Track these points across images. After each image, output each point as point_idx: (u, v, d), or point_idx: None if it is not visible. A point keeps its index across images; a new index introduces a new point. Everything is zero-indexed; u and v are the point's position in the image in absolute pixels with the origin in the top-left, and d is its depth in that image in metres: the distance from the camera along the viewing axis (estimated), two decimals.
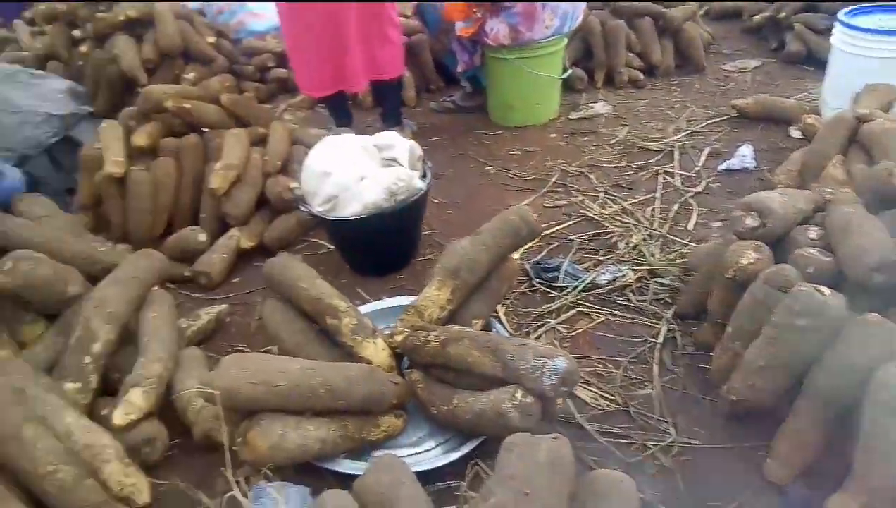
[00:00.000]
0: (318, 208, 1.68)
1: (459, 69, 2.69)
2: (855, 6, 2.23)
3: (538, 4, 2.35)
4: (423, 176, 1.78)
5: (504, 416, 1.12)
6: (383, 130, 2.53)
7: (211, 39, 3.23)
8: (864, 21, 2.13)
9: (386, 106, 2.64)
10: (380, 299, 1.65)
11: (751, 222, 1.21)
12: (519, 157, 2.41)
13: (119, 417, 1.22)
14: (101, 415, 1.30)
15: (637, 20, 2.96)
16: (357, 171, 1.66)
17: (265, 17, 3.77)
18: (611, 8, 2.97)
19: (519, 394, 1.13)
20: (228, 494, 1.02)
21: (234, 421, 1.15)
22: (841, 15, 2.18)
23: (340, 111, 2.63)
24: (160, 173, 2.02)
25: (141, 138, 2.04)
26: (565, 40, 2.59)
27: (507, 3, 2.37)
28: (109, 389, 1.37)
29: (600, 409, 1.31)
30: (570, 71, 2.71)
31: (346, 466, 1.21)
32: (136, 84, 2.97)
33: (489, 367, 1.19)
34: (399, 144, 1.78)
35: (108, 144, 2.02)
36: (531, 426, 1.12)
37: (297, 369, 1.19)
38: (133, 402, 1.24)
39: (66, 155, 2.40)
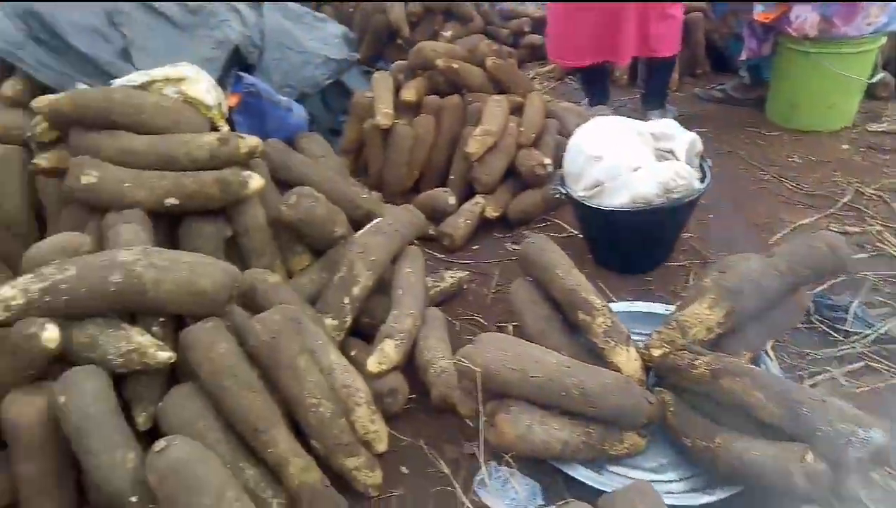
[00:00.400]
0: (580, 191, 1.59)
1: (743, 56, 2.39)
2: None
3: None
4: (702, 176, 1.60)
5: (788, 477, 0.96)
6: (644, 112, 2.39)
7: None
8: None
9: (651, 86, 2.45)
10: (625, 299, 1.53)
11: None
12: (800, 166, 2.10)
13: (373, 365, 1.27)
14: (349, 356, 1.36)
15: None
16: (631, 159, 1.54)
17: None
18: None
19: (810, 457, 0.96)
20: (479, 477, 1.00)
21: (476, 397, 1.13)
22: None
23: (598, 87, 2.50)
24: (421, 130, 2.07)
25: (410, 94, 2.10)
26: (885, 39, 2.17)
27: None
28: (356, 331, 1.44)
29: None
30: (882, 75, 2.28)
31: (582, 474, 1.14)
32: (399, 35, 3.11)
33: (772, 415, 1.03)
34: (679, 135, 1.62)
35: (380, 94, 2.11)
36: (817, 496, 0.95)
37: (554, 363, 1.13)
38: (387, 353, 1.28)
39: (335, 97, 2.58)
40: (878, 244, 1.68)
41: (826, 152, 2.15)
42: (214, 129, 1.58)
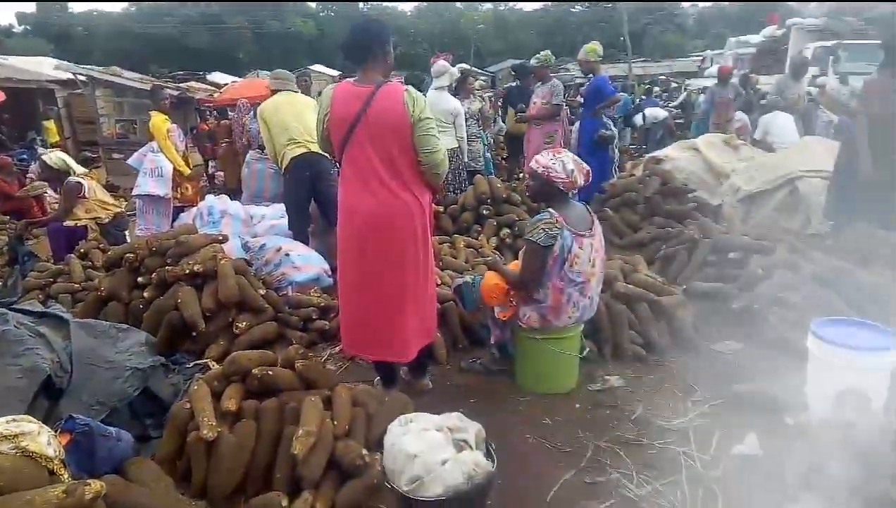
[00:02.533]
0: (404, 487, 1.91)
1: (493, 340, 3.12)
2: (827, 318, 2.77)
3: (563, 300, 2.84)
4: (488, 455, 2.05)
5: None
6: (410, 382, 2.90)
7: (262, 291, 3.65)
8: (831, 332, 2.63)
9: (417, 363, 2.99)
10: None
11: None
12: (552, 427, 2.72)
13: None
14: None
15: (636, 304, 3.51)
16: (439, 454, 1.93)
17: (305, 270, 4.29)
18: (612, 293, 3.53)
19: None
20: None
21: None
22: (813, 325, 2.70)
23: (387, 374, 2.96)
24: (244, 436, 2.25)
25: (231, 403, 2.30)
26: (582, 325, 3.06)
27: (537, 296, 2.86)
28: None
29: None
30: (587, 350, 3.14)
31: None
32: (194, 329, 3.30)
33: None
34: (470, 427, 2.08)
35: (200, 406, 2.27)
36: None
37: None
38: None
39: (141, 402, 2.62)
40: (619, 491, 2.25)
41: (566, 412, 2.83)
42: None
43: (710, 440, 2.56)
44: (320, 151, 3.34)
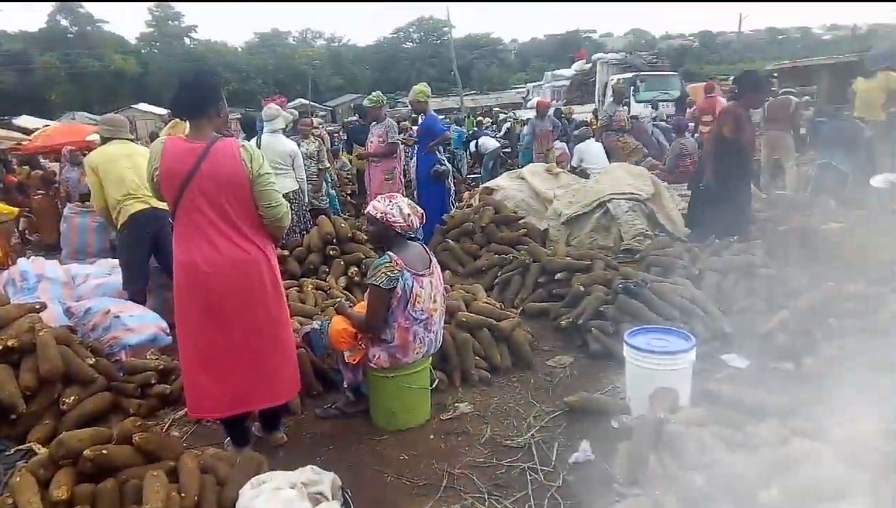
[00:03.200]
0: None
1: (346, 384, 3.15)
2: (636, 327, 3.17)
3: (410, 338, 2.96)
4: (345, 504, 2.09)
5: None
6: (264, 437, 2.87)
7: (91, 360, 3.37)
8: (640, 340, 3.02)
9: (271, 416, 2.95)
10: None
11: None
12: (409, 461, 2.80)
13: None
14: None
15: (478, 331, 3.75)
16: None
17: (140, 331, 4.01)
18: (455, 322, 3.73)
19: None
20: None
21: None
22: (625, 336, 3.08)
23: (238, 430, 2.88)
24: None
25: (61, 492, 2.11)
26: (430, 358, 3.21)
27: (384, 337, 2.96)
28: None
29: None
30: (437, 381, 3.28)
31: None
32: (13, 412, 2.97)
33: None
34: (324, 478, 2.10)
35: (24, 498, 2.07)
36: None
37: None
38: None
39: None
40: None
41: (421, 445, 2.94)
42: None
43: (550, 452, 2.80)
44: (163, 207, 3.19)
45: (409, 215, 2.97)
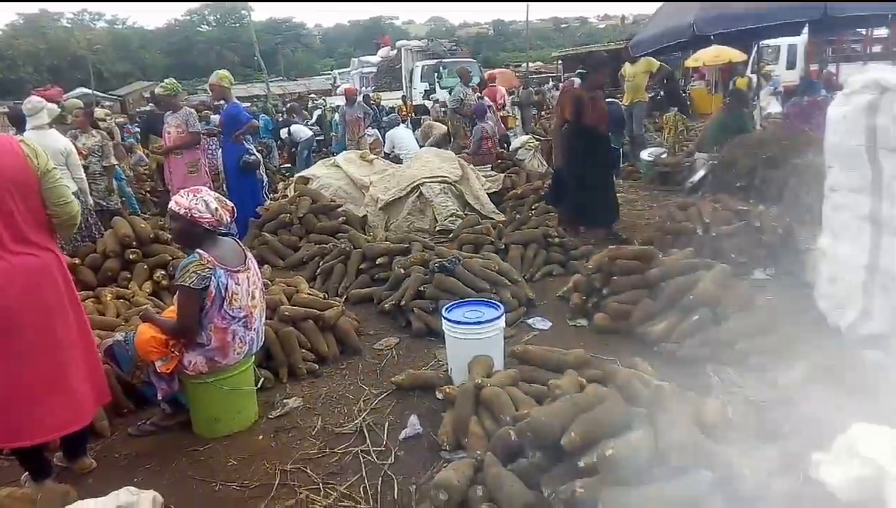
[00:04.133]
0: None
1: (160, 396, 2.94)
2: (452, 302, 3.36)
3: (229, 338, 2.85)
4: None
5: None
6: (69, 466, 2.62)
7: None
8: (456, 314, 3.22)
9: (73, 441, 2.69)
10: None
11: (443, 496, 1.83)
12: (238, 466, 2.71)
13: None
14: None
15: (302, 323, 3.71)
16: None
17: None
18: (278, 317, 3.65)
19: None
20: None
21: None
22: (443, 311, 3.26)
23: (36, 466, 2.57)
24: None
25: None
26: (253, 357, 3.12)
27: (200, 340, 2.82)
28: None
29: None
30: (262, 380, 3.20)
31: None
32: None
33: None
34: (143, 498, 1.98)
35: None
36: None
37: None
38: None
39: None
40: (309, 507, 2.39)
41: (250, 447, 2.86)
42: None
43: (382, 432, 2.88)
44: None
45: (216, 208, 2.83)
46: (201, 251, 2.79)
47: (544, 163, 8.84)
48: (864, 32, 14.56)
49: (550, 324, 4.01)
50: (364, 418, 3.03)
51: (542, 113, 14.60)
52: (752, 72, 11.72)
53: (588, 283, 4.01)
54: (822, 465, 1.93)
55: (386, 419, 3.01)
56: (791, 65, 14.94)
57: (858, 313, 3.32)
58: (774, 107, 10.72)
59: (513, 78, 20.99)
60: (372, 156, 7.79)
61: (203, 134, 6.65)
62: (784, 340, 3.39)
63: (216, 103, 9.29)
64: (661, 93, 15.10)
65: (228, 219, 2.92)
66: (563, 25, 62.97)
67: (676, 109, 10.23)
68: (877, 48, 15.61)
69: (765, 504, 1.79)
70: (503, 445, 2.15)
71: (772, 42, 13.96)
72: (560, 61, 28.24)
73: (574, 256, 4.96)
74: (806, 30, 6.52)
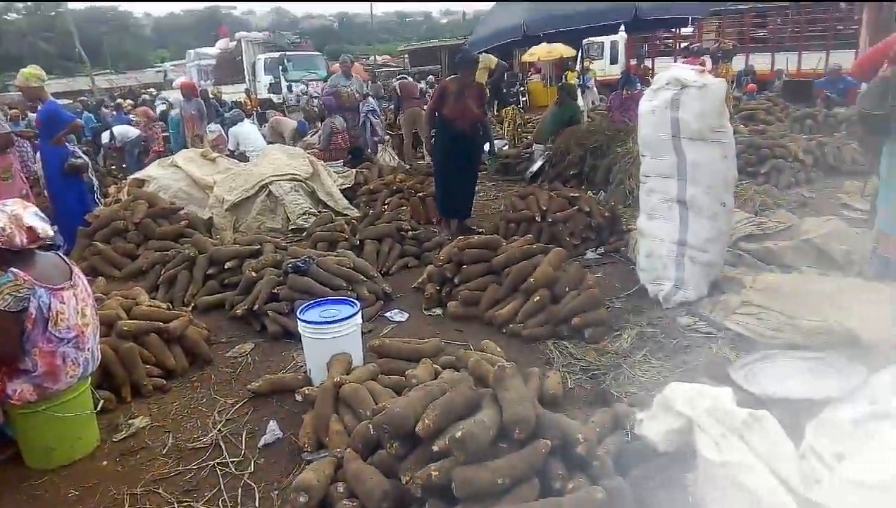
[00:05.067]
0: None
1: None
2: (307, 302, 3.34)
3: (58, 362, 2.62)
4: None
5: None
6: None
7: None
8: (312, 314, 3.21)
9: None
10: None
11: (303, 498, 1.85)
12: (81, 496, 2.51)
13: None
14: None
15: (145, 337, 3.48)
16: None
17: None
18: (117, 333, 3.40)
19: None
20: None
21: None
22: (297, 313, 3.23)
23: None
24: None
25: None
26: (90, 378, 2.88)
27: (25, 366, 2.56)
28: None
29: None
30: (101, 402, 2.96)
31: None
32: None
33: None
34: None
35: None
36: None
37: None
38: None
39: None
40: None
41: (93, 475, 2.64)
42: None
43: (239, 442, 2.81)
44: None
45: (4, 228, 2.52)
46: (15, 271, 2.52)
47: (395, 157, 8.98)
48: (674, 30, 16.26)
49: (408, 316, 4.12)
50: (220, 429, 2.93)
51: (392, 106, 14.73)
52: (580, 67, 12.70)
53: (440, 273, 4.17)
54: (644, 422, 2.22)
55: (243, 428, 2.94)
56: (614, 60, 16.38)
57: (672, 284, 3.78)
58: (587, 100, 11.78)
59: (362, 71, 20.93)
60: (214, 154, 7.42)
61: (15, 135, 5.93)
62: (612, 312, 3.78)
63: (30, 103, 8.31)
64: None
65: (24, 240, 2.61)
66: (407, 19, 63.70)
67: (505, 103, 10.83)
68: (685, 43, 17.53)
69: (598, 463, 2.01)
70: (362, 439, 2.20)
71: (596, 39, 15.20)
72: (406, 55, 28.62)
73: (428, 247, 5.12)
74: (622, 29, 7.21)
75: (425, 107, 7.99)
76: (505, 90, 16.55)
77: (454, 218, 5.65)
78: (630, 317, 3.72)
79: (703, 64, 11.54)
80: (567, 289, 3.64)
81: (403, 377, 2.81)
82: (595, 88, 12.99)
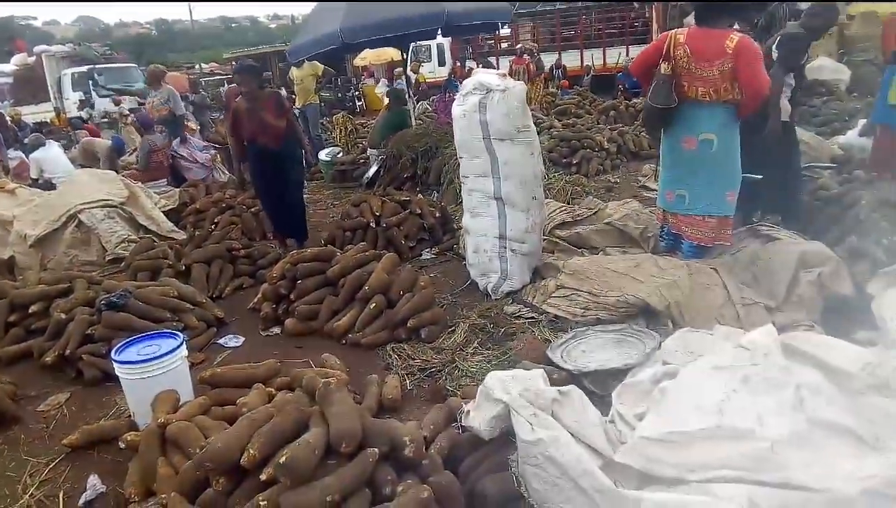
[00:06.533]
0: None
1: None
2: (123, 341, 3.10)
3: None
4: None
5: None
6: None
7: None
8: (129, 353, 2.98)
9: None
10: None
11: None
12: None
13: None
14: None
15: None
16: None
17: None
18: None
19: None
20: None
21: None
22: (112, 354, 2.99)
23: None
24: None
25: None
26: None
27: None
28: None
29: None
30: None
31: None
32: None
33: None
34: None
35: None
36: None
37: None
38: None
39: None
40: None
41: None
42: None
43: (56, 504, 2.55)
44: None
45: None
46: None
47: (225, 172, 8.58)
48: (494, 33, 17.14)
49: (244, 339, 3.97)
50: (32, 493, 2.64)
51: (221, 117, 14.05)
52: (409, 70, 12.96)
53: (275, 291, 4.07)
54: (470, 413, 2.35)
55: (61, 487, 2.67)
56: (442, 62, 16.92)
57: (499, 276, 4.02)
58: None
59: (183, 80, 19.67)
60: (12, 185, 6.59)
61: None
62: (447, 309, 3.94)
63: None
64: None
65: None
66: (233, 25, 60.85)
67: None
68: (505, 44, 18.56)
69: (427, 461, 2.10)
70: (189, 481, 2.10)
71: (423, 42, 15.60)
72: (235, 62, 27.36)
73: (263, 265, 4.97)
74: (440, 34, 7.47)
75: None
76: (340, 95, 16.51)
77: (291, 238, 5.44)
78: (463, 312, 3.90)
79: (526, 63, 12.37)
80: (401, 292, 3.72)
81: (236, 407, 2.72)
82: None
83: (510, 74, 11.42)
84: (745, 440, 1.93)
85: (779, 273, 3.27)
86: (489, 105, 3.78)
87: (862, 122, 5.71)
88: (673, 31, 3.65)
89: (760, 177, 3.93)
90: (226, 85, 21.79)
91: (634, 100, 9.41)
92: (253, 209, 5.96)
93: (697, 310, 3.10)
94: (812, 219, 4.12)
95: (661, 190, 3.90)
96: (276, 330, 4.02)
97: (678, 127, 3.61)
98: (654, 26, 14.79)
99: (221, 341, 3.92)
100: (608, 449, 2.16)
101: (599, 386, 2.77)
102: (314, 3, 7.60)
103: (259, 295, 4.25)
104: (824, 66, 9.00)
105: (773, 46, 4.16)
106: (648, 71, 3.71)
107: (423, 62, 16.42)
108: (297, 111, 8.99)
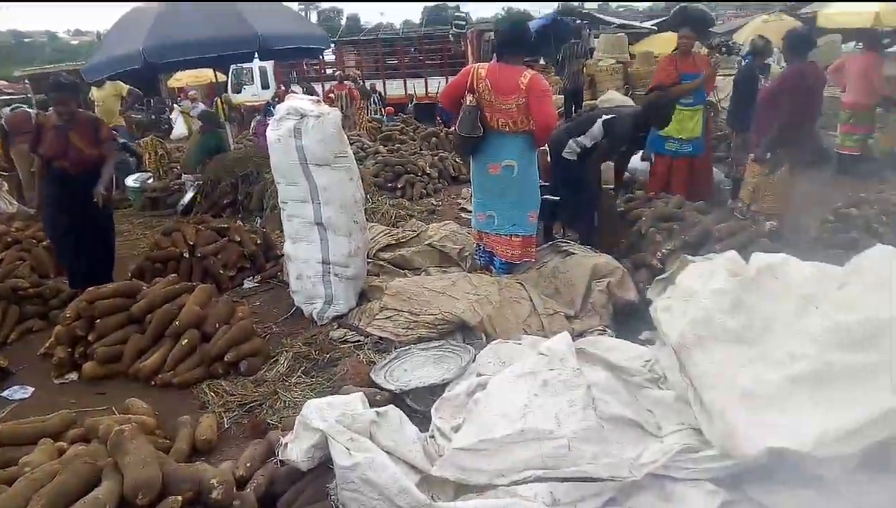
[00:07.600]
0: None
1: None
2: None
3: None
4: None
5: None
6: None
7: None
8: None
9: None
10: None
11: None
12: None
13: None
14: None
15: None
16: None
17: None
18: None
19: None
20: None
21: None
22: None
23: None
24: None
25: None
26: None
27: None
28: None
29: None
30: None
31: None
32: None
33: None
34: None
35: None
36: None
37: None
38: None
39: None
40: None
41: None
42: None
43: None
44: None
45: None
46: None
47: (13, 202, 7.57)
48: (319, 58, 17.01)
49: (32, 390, 3.50)
50: None
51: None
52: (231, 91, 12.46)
53: (70, 332, 3.65)
54: (288, 445, 2.28)
55: None
56: (265, 85, 16.45)
57: (323, 301, 3.98)
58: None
59: None
60: None
61: None
62: (270, 339, 3.82)
63: None
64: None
65: None
66: (26, 40, 53.91)
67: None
68: (330, 70, 18.49)
69: (238, 502, 2.01)
70: None
71: (246, 65, 15.06)
72: (27, 81, 24.28)
73: (56, 305, 4.43)
74: (256, 57, 7.24)
75: None
76: (154, 117, 15.32)
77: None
78: (287, 340, 3.79)
79: (348, 89, 12.45)
80: (217, 325, 3.53)
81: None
82: None
83: (330, 100, 11.44)
84: (545, 440, 2.10)
85: (576, 285, 3.62)
86: (304, 130, 3.75)
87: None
88: (476, 65, 3.92)
89: (558, 198, 4.35)
90: (8, 109, 19.26)
91: (453, 127, 9.89)
92: (45, 243, 5.30)
93: (507, 322, 3.32)
94: (603, 234, 4.62)
95: (474, 212, 4.14)
96: (73, 376, 3.59)
97: (484, 154, 3.87)
98: (471, 59, 15.70)
99: (5, 393, 3.42)
100: (426, 464, 2.23)
101: (421, 403, 2.85)
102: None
103: (52, 338, 3.78)
104: (613, 98, 10.18)
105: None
106: (456, 101, 3.93)
107: (246, 84, 15.87)
108: None
